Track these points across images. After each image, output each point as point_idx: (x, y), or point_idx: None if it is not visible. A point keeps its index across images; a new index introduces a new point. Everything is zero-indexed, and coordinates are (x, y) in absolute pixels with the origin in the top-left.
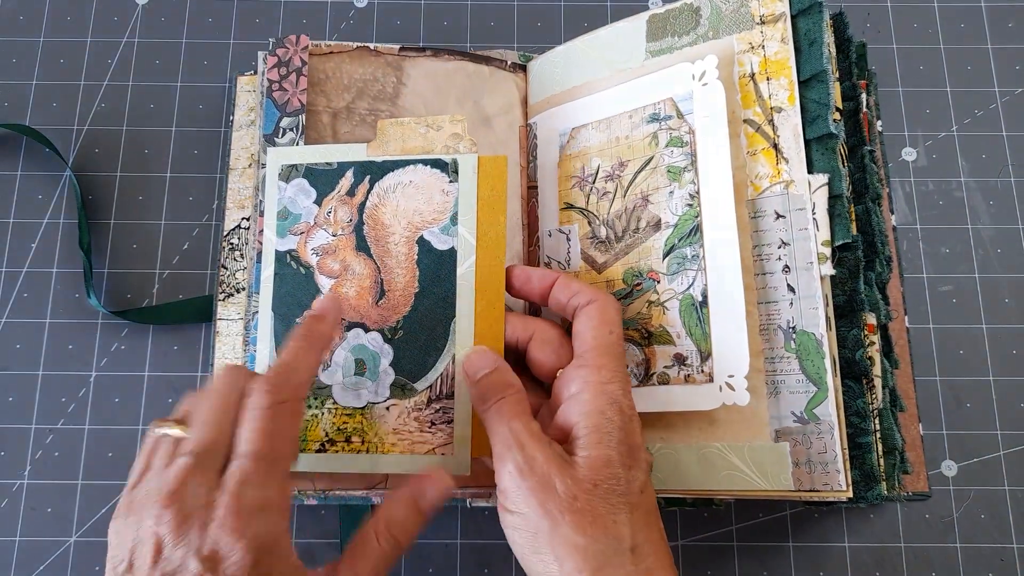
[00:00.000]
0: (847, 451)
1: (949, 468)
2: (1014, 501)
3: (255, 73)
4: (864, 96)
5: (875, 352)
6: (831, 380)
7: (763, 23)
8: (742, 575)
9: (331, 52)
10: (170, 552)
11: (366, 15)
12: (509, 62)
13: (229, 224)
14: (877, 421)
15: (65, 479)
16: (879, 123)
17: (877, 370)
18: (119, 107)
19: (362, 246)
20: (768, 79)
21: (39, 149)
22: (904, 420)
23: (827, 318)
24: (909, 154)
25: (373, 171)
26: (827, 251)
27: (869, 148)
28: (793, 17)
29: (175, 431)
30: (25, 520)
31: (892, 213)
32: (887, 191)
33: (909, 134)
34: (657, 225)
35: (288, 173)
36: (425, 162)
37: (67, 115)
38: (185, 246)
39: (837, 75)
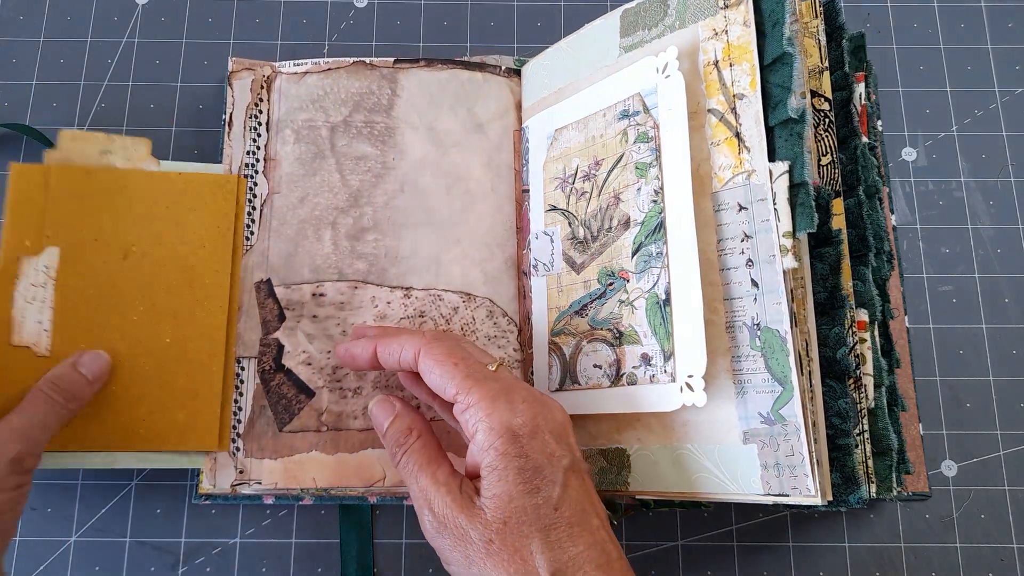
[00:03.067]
0: (822, 453)
1: (949, 468)
2: (1014, 501)
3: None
4: (861, 88)
5: (866, 350)
6: (796, 379)
7: (727, 7)
8: (742, 575)
9: (329, 69)
10: None
11: (366, 15)
12: (503, 67)
13: None
14: (866, 421)
15: (65, 479)
16: (879, 123)
17: (868, 368)
18: (119, 107)
19: None
20: (731, 65)
21: (39, 149)
22: (904, 420)
23: (791, 314)
24: (909, 154)
25: None
26: (788, 243)
27: (868, 143)
28: None
29: None
30: (25, 520)
31: (892, 213)
32: (887, 190)
33: (909, 134)
34: (627, 223)
35: None
36: None
37: (67, 115)
38: None
39: (827, 64)
